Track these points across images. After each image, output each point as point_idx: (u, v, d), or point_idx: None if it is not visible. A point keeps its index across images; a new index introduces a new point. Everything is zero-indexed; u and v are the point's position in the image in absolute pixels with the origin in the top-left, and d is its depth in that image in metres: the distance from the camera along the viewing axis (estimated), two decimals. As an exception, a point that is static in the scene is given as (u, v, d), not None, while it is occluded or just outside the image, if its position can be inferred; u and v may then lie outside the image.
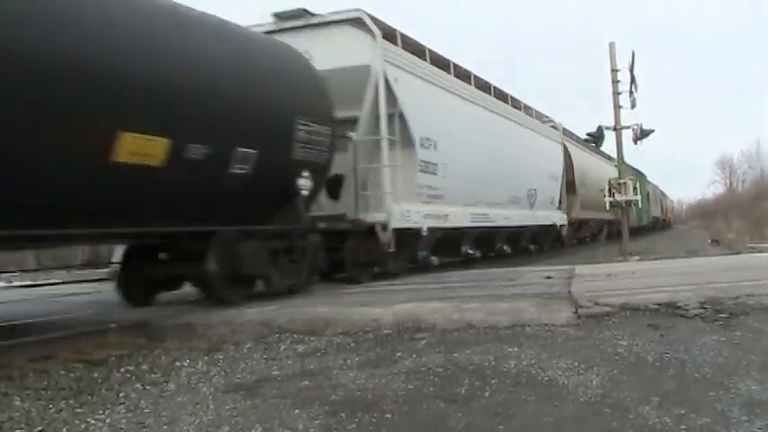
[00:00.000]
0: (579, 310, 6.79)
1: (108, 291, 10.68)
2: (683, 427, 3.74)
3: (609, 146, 27.46)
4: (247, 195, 9.59)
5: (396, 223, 12.95)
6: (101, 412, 4.67)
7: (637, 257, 20.41)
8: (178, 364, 6.14)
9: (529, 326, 6.53)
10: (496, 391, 4.63)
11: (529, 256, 20.91)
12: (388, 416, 4.27)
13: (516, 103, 21.80)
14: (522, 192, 21.09)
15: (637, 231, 42.36)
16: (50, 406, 4.85)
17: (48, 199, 7.02)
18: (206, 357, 6.33)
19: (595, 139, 26.78)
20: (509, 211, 19.65)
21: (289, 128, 10.22)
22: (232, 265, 9.24)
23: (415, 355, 5.78)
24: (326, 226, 11.57)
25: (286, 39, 12.08)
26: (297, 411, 4.44)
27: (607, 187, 24.93)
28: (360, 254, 12.60)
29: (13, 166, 6.54)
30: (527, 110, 23.00)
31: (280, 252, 10.18)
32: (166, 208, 8.56)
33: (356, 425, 4.14)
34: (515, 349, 5.67)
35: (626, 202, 24.98)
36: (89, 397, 5.10)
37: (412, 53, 14.62)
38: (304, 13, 13.45)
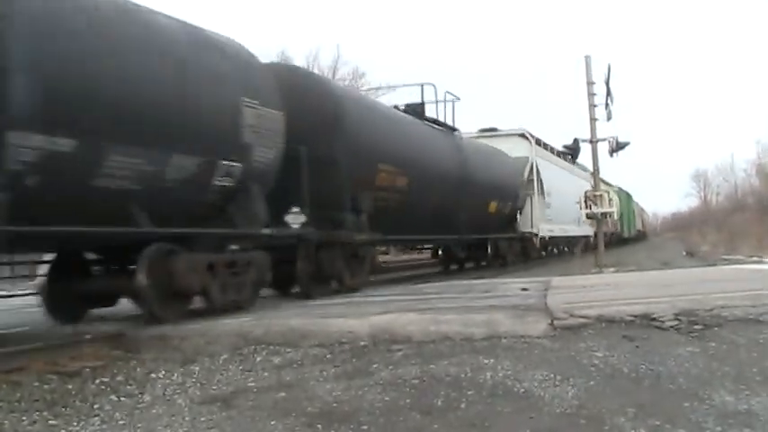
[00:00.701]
0: (555, 322, 6.79)
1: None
2: (658, 438, 3.77)
3: (585, 158, 28.32)
4: (504, 220, 23.18)
5: (540, 233, 26.68)
6: (75, 424, 4.64)
7: (612, 269, 20.54)
8: (153, 375, 6.09)
9: (505, 338, 6.51)
10: (473, 402, 4.64)
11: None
12: (365, 427, 4.27)
13: (567, 158, 33.00)
14: (576, 215, 30.02)
15: (625, 242, 55.10)
16: (24, 418, 4.80)
17: (467, 227, 19.32)
18: (181, 369, 6.29)
19: (571, 151, 26.94)
20: (571, 227, 31.98)
21: (517, 191, 23.85)
22: (497, 252, 23.61)
23: (391, 367, 5.77)
24: (518, 234, 25.24)
25: (484, 140, 24.07)
26: (273, 423, 4.43)
27: (583, 199, 25.16)
28: (523, 249, 26.24)
29: (455, 214, 18.43)
30: (573, 161, 34.14)
31: (508, 245, 24.26)
32: (486, 228, 21.38)
33: (333, 437, 4.14)
34: (491, 361, 5.67)
35: (602, 213, 25.22)
36: (63, 409, 5.05)
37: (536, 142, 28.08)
38: (495, 129, 26.83)
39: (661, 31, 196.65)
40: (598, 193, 25.18)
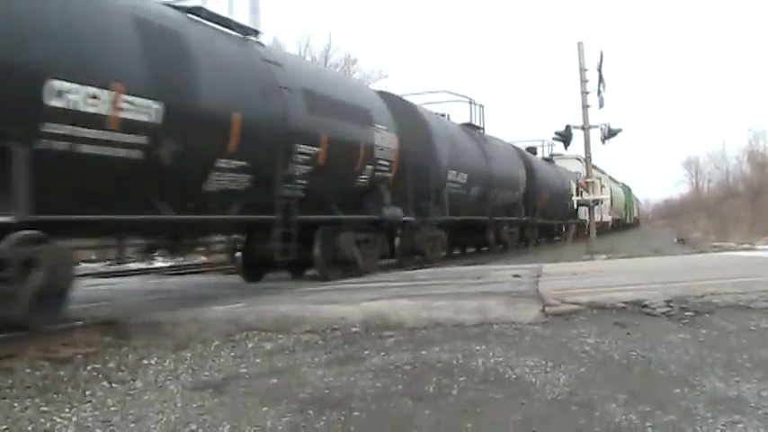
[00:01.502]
0: (546, 309, 6.81)
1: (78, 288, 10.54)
2: (648, 424, 3.79)
3: (576, 145, 28.55)
4: (572, 211, 35.88)
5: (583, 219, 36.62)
6: (67, 410, 4.63)
7: (603, 256, 20.57)
8: (145, 362, 6.08)
9: (497, 324, 6.53)
10: (464, 389, 4.65)
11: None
12: (357, 413, 4.27)
13: (602, 171, 44.88)
14: (605, 207, 40.04)
15: (626, 227, 64.77)
16: (15, 405, 4.79)
17: (560, 216, 36.42)
18: (173, 355, 6.27)
19: (563, 138, 26.91)
20: (603, 215, 40.09)
21: (569, 191, 32.44)
22: (566, 231, 36.67)
23: (383, 353, 5.77)
24: (578, 221, 36.77)
25: (555, 161, 38.36)
26: (265, 409, 4.42)
27: (575, 186, 25.16)
28: (578, 229, 34.48)
29: (558, 209, 34.87)
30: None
31: (572, 227, 35.01)
32: (565, 217, 36.59)
33: (324, 422, 4.14)
34: (483, 347, 5.68)
35: (593, 200, 25.25)
36: (55, 395, 5.04)
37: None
38: (560, 154, 38.32)
39: (653, 18, 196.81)
40: (590, 180, 25.19)
